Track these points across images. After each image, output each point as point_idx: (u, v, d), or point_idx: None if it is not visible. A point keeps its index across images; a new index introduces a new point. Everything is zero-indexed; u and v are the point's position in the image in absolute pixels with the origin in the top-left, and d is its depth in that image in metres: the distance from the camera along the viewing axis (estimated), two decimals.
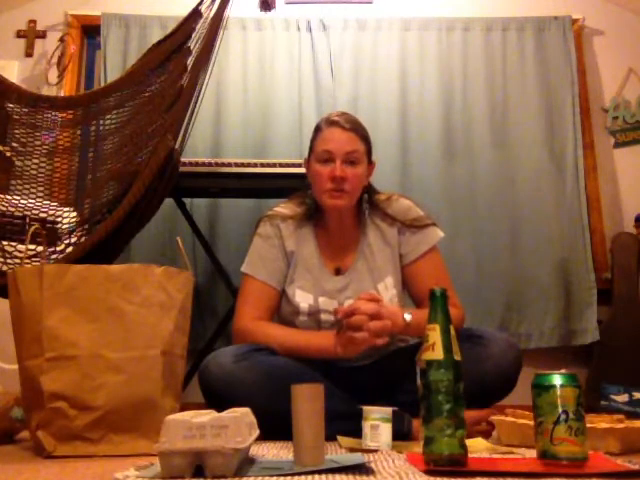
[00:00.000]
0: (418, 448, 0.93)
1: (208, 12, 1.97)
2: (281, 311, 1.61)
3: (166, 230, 2.63)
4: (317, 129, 1.61)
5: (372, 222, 1.64)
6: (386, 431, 1.17)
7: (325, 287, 1.58)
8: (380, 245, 1.62)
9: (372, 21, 2.98)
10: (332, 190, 1.54)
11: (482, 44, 2.96)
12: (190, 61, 1.91)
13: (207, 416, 0.85)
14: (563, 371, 0.92)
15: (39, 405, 1.14)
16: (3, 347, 1.85)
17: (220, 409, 0.91)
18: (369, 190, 1.65)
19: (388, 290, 1.58)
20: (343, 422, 1.29)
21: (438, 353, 0.90)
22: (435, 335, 0.91)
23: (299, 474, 0.84)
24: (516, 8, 3.05)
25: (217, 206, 2.74)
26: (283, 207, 1.68)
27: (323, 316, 1.56)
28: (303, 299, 1.57)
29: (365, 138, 1.58)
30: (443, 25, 2.98)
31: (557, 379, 0.91)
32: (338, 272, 1.61)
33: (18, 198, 1.92)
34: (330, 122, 1.57)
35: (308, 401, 0.90)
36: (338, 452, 1.12)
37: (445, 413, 0.87)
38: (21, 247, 1.78)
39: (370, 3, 3.07)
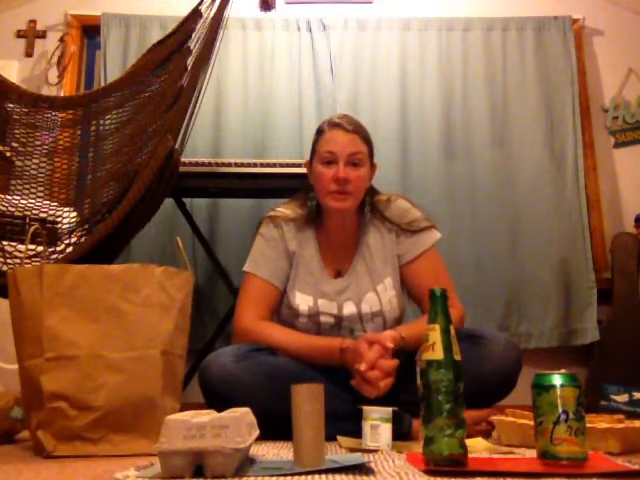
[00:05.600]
0: (418, 448, 0.93)
1: (208, 12, 1.97)
2: (281, 312, 1.61)
3: (166, 230, 2.63)
4: (319, 131, 1.61)
5: (372, 224, 1.64)
6: (386, 431, 1.17)
7: (324, 290, 1.58)
8: (379, 246, 1.62)
9: (372, 21, 2.98)
10: (336, 192, 1.53)
11: (482, 44, 2.96)
12: (190, 61, 1.91)
13: (207, 416, 0.85)
14: (563, 371, 0.92)
15: (39, 405, 1.14)
16: (3, 347, 1.86)
17: (220, 409, 0.91)
18: (370, 192, 1.65)
19: (387, 291, 1.58)
20: (343, 422, 1.29)
21: (438, 353, 0.90)
22: (435, 335, 0.91)
23: (299, 474, 0.84)
24: (516, 8, 3.05)
25: (217, 206, 2.75)
26: (285, 207, 1.67)
27: (322, 318, 1.56)
28: (303, 301, 1.57)
29: (367, 140, 1.58)
30: (443, 25, 2.98)
31: (557, 379, 0.91)
32: (338, 274, 1.61)
33: (18, 198, 1.92)
34: (333, 124, 1.57)
35: (308, 401, 0.90)
36: (338, 452, 1.12)
37: (445, 413, 0.87)
38: (21, 247, 1.78)
39: (370, 3, 3.08)
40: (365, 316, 1.56)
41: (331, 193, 1.54)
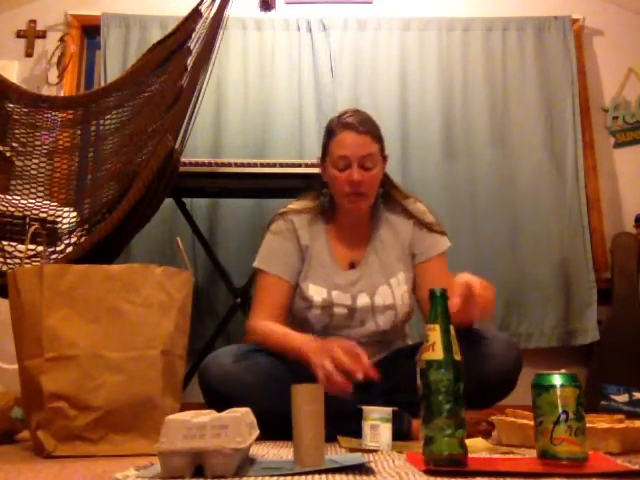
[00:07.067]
0: (418, 448, 0.93)
1: (208, 12, 1.97)
2: (293, 305, 1.60)
3: (166, 230, 2.63)
4: (331, 132, 1.58)
5: (386, 218, 1.65)
6: (386, 431, 1.17)
7: (337, 281, 1.58)
8: (392, 241, 1.63)
9: (372, 21, 2.98)
10: (351, 194, 1.54)
11: (482, 44, 2.96)
12: (190, 61, 1.91)
13: (207, 416, 0.85)
14: (563, 371, 0.92)
15: (39, 405, 1.14)
16: (3, 347, 1.86)
17: (220, 409, 0.91)
18: (386, 184, 1.65)
19: (400, 286, 1.58)
20: (343, 422, 1.29)
21: (438, 353, 0.90)
22: (435, 335, 0.91)
23: (299, 474, 0.84)
24: (516, 8, 3.05)
25: (217, 206, 2.75)
26: (295, 204, 1.67)
27: (336, 310, 1.56)
28: (317, 293, 1.56)
29: (379, 137, 1.57)
30: (443, 25, 2.98)
31: (557, 379, 0.91)
32: (352, 266, 1.61)
33: (18, 198, 1.92)
34: (343, 125, 1.55)
35: (308, 401, 0.90)
36: (338, 452, 1.12)
37: (445, 413, 0.87)
38: (21, 247, 1.78)
39: (370, 3, 3.08)
40: (378, 308, 1.56)
41: (346, 196, 1.55)
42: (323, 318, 1.56)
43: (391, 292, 1.57)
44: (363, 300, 1.57)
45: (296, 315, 1.60)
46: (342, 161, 1.53)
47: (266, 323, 1.54)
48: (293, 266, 1.60)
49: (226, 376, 1.39)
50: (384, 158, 1.61)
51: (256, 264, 1.61)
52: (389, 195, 1.66)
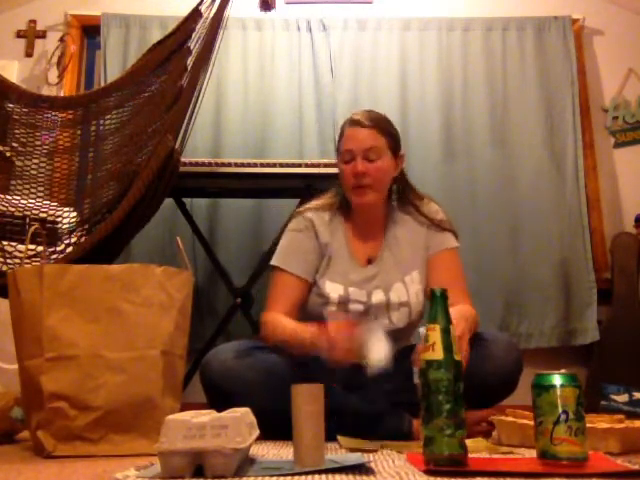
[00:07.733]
0: (418, 448, 0.93)
1: (208, 12, 1.97)
2: (308, 302, 1.60)
3: (166, 230, 2.63)
4: (341, 131, 1.63)
5: (400, 217, 1.66)
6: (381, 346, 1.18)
7: (353, 278, 1.59)
8: (406, 239, 1.63)
9: (372, 21, 2.98)
10: (356, 187, 1.56)
11: (482, 44, 2.96)
12: (190, 61, 1.91)
13: (207, 416, 0.85)
14: (563, 371, 0.92)
15: (39, 405, 1.14)
16: (3, 347, 1.85)
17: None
18: (404, 184, 1.67)
19: (414, 284, 1.59)
20: (342, 418, 1.29)
21: (438, 353, 0.90)
22: (435, 335, 0.91)
23: (299, 474, 0.84)
24: (516, 8, 3.05)
25: (217, 206, 2.74)
26: (313, 203, 1.69)
27: (352, 306, 1.56)
28: (333, 290, 1.57)
29: (387, 132, 1.60)
30: (443, 25, 2.98)
31: (557, 379, 0.91)
32: (368, 262, 1.62)
33: (18, 198, 1.92)
34: (351, 122, 1.60)
35: (308, 401, 0.90)
36: (338, 452, 1.12)
37: (445, 413, 0.87)
38: (21, 247, 1.78)
39: (370, 3, 3.08)
40: (392, 305, 1.57)
41: (353, 189, 1.57)
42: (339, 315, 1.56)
43: (405, 289, 1.58)
44: (378, 296, 1.57)
45: (310, 312, 1.59)
46: (348, 154, 1.56)
47: (278, 316, 1.53)
48: (311, 264, 1.60)
49: (227, 372, 1.40)
50: (397, 155, 1.62)
51: (274, 262, 1.62)
52: (404, 195, 1.67)
